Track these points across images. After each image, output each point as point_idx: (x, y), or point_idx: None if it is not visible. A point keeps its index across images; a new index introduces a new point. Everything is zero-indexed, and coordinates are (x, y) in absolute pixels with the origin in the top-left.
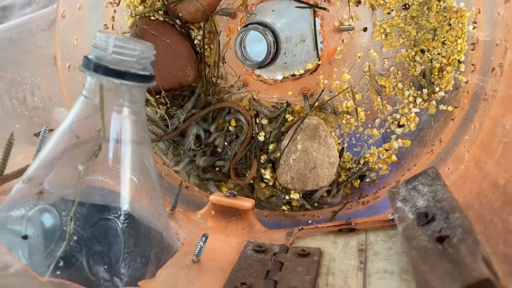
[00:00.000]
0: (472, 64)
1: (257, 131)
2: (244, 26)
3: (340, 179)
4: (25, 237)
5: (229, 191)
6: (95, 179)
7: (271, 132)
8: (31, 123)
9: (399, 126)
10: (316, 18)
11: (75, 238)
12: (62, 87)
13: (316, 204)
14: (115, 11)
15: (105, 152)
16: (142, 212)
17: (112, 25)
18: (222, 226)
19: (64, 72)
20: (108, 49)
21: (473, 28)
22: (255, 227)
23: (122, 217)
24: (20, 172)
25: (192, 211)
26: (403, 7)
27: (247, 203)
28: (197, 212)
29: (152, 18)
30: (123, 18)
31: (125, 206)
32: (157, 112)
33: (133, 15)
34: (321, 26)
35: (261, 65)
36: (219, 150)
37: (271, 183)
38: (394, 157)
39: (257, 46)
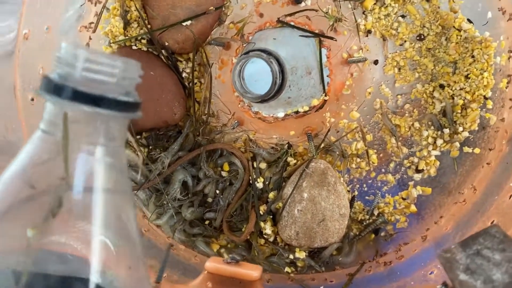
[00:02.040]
0: (510, 99)
1: (254, 176)
2: (245, 53)
3: (352, 234)
4: None
5: (231, 255)
6: (54, 241)
7: (270, 177)
8: None
9: (418, 171)
10: (322, 49)
11: None
12: (22, 122)
13: (325, 264)
14: (90, 38)
15: (69, 205)
16: (118, 286)
17: None
18: None
19: (26, 105)
20: (77, 65)
21: (509, 58)
22: None
23: None
24: None
25: (181, 283)
26: (418, 38)
27: (254, 272)
28: (189, 284)
29: (134, 47)
30: (100, 47)
31: (95, 277)
32: (137, 155)
33: (111, 43)
34: (328, 57)
35: (264, 99)
36: (209, 199)
37: (271, 239)
38: (413, 207)
39: (254, 79)
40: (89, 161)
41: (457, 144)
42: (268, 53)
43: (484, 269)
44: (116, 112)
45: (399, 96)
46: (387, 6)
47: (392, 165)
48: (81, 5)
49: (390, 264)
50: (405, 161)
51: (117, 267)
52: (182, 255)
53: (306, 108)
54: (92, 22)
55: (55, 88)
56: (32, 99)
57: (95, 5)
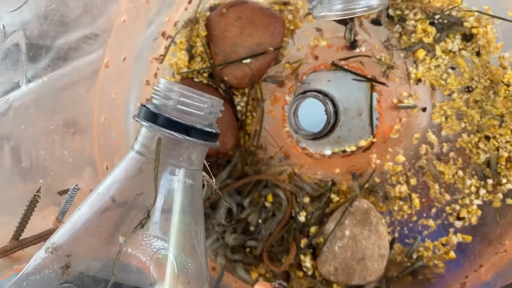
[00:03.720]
0: None
1: (297, 210)
2: (301, 93)
3: (389, 275)
4: None
5: (278, 281)
6: (125, 255)
7: (313, 212)
8: (56, 178)
9: (459, 218)
10: (374, 93)
11: None
12: (94, 141)
13: None
14: (158, 68)
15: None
16: None
17: (154, 82)
18: None
19: (98, 126)
20: (172, 98)
21: None
22: None
23: None
24: (39, 238)
25: None
26: (466, 89)
27: None
28: None
29: (196, 80)
30: (165, 77)
31: None
32: (210, 178)
33: (176, 74)
34: (378, 101)
35: (316, 137)
36: (251, 228)
37: (310, 272)
38: (452, 254)
39: (307, 115)
40: (171, 180)
41: (500, 195)
42: (324, 94)
43: None
44: (201, 141)
45: (444, 144)
46: (437, 58)
47: (433, 210)
48: (154, 39)
49: None
50: (447, 208)
51: (177, 282)
52: (223, 279)
53: (354, 148)
54: (162, 55)
55: (152, 116)
56: (104, 120)
57: (166, 39)
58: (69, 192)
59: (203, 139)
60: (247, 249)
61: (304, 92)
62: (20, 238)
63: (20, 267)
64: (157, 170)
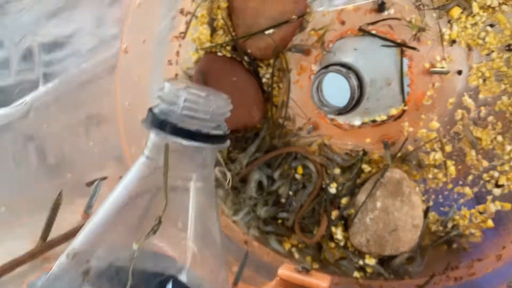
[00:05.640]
0: None
1: (327, 181)
2: (324, 68)
3: (423, 244)
4: None
5: (301, 265)
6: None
7: (344, 183)
8: (83, 171)
9: (497, 186)
10: (404, 59)
11: None
12: (120, 127)
13: (394, 272)
14: (180, 45)
15: (165, 213)
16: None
17: (176, 61)
18: None
19: (123, 111)
20: (178, 103)
21: None
22: None
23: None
24: (65, 238)
25: (254, 286)
26: (507, 48)
27: (323, 282)
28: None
29: (219, 54)
30: (188, 53)
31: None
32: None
33: (199, 49)
34: (409, 67)
35: (341, 112)
36: (282, 200)
37: (342, 244)
38: (490, 222)
39: (332, 88)
40: (183, 184)
41: None
42: (348, 67)
43: None
44: (209, 145)
45: (482, 108)
46: (474, 15)
47: (470, 177)
48: (173, 18)
49: (460, 280)
50: (485, 175)
51: (201, 271)
52: (255, 252)
53: (384, 117)
54: (183, 32)
55: (159, 123)
56: (128, 104)
57: (186, 15)
58: (93, 186)
59: (211, 143)
60: (279, 221)
61: (327, 67)
62: (48, 239)
63: (50, 265)
64: (167, 176)
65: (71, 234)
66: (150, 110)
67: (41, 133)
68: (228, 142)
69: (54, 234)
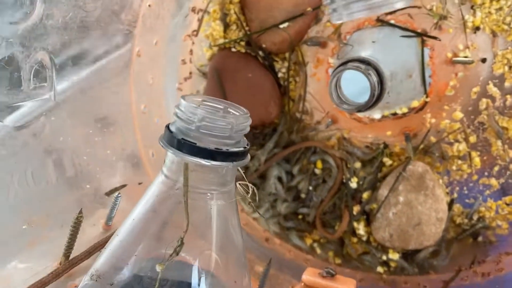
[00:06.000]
0: None
1: (348, 176)
2: (341, 64)
3: (448, 237)
4: None
5: (326, 269)
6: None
7: (365, 177)
8: (102, 180)
9: None
10: (425, 49)
11: None
12: (136, 132)
13: (419, 266)
14: (193, 43)
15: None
16: None
17: (190, 59)
18: None
19: (139, 115)
20: (195, 122)
21: None
22: None
23: None
24: (88, 254)
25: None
26: None
27: (348, 287)
28: None
29: (233, 50)
30: (202, 50)
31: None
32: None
33: (212, 46)
34: (431, 57)
35: (361, 110)
36: (302, 195)
37: (364, 238)
38: None
39: (351, 85)
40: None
41: None
42: (367, 63)
43: None
44: (229, 163)
45: (508, 96)
46: (499, 0)
47: (496, 168)
48: (185, 17)
49: (488, 276)
50: (511, 166)
51: (225, 279)
52: (277, 249)
53: (405, 110)
54: (195, 30)
55: (176, 142)
56: (144, 107)
57: (197, 13)
58: (113, 197)
59: (231, 161)
60: (300, 216)
61: (345, 63)
62: (70, 257)
63: (74, 283)
64: (187, 196)
65: (94, 250)
66: (167, 127)
67: (58, 147)
68: (248, 157)
69: (76, 247)
